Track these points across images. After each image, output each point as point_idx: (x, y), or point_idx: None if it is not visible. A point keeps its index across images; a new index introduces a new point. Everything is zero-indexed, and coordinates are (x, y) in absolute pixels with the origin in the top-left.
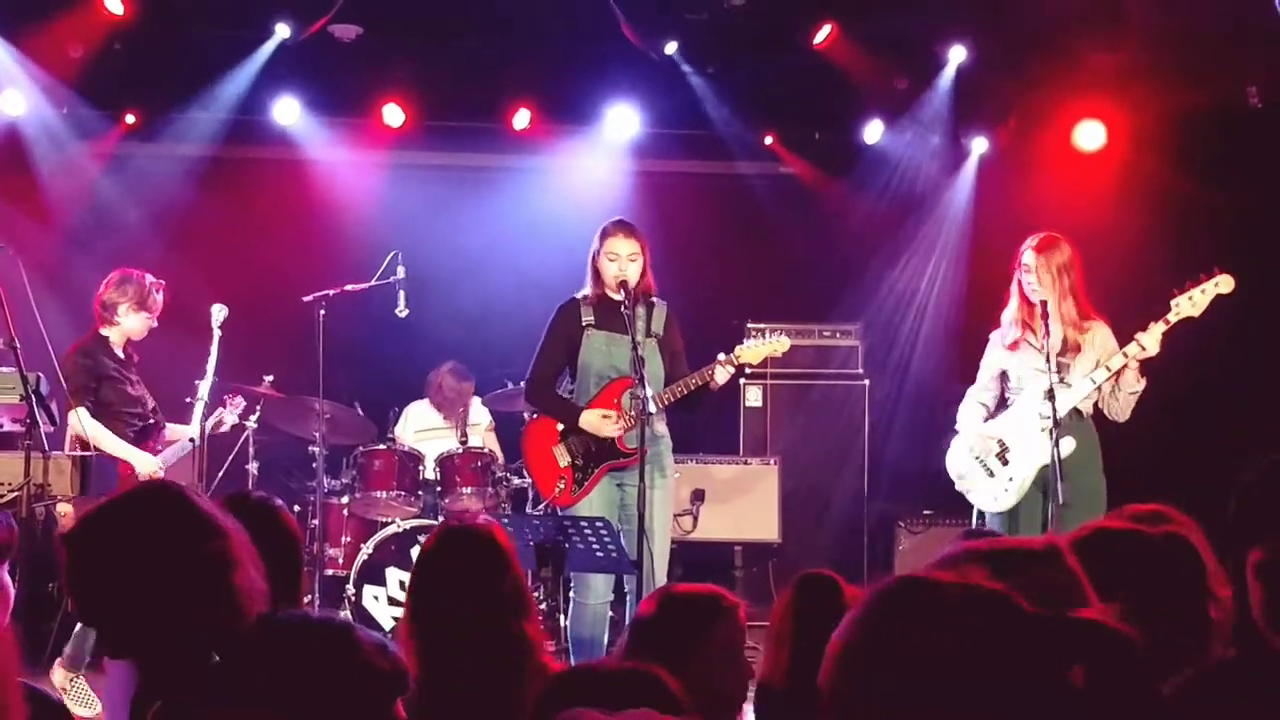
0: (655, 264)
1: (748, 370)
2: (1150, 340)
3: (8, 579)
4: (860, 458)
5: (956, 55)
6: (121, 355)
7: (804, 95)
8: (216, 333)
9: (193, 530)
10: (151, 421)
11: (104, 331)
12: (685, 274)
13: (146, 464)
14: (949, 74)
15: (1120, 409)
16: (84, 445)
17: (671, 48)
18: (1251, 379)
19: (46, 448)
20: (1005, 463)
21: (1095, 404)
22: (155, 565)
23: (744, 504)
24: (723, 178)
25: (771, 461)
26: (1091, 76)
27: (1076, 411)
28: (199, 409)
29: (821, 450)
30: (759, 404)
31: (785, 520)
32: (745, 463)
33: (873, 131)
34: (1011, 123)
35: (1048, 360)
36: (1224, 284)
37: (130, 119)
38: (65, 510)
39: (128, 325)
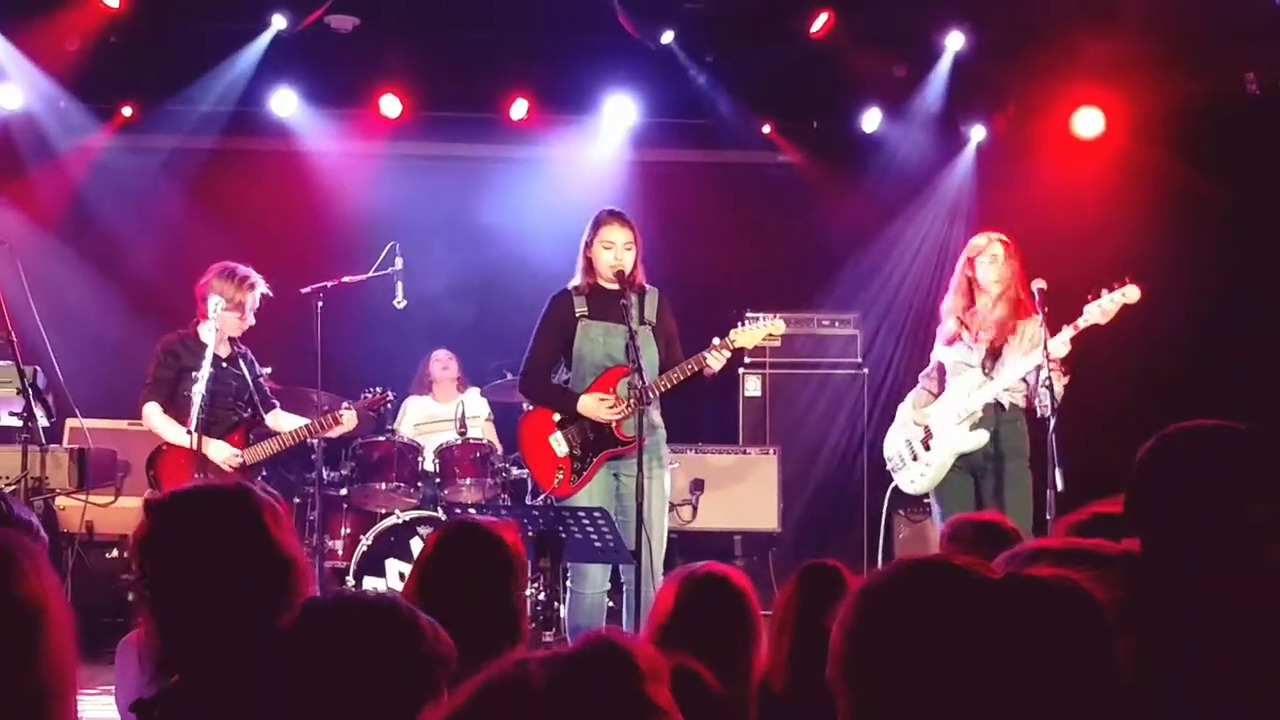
0: (654, 253)
1: (746, 359)
2: (1057, 345)
3: None
4: (859, 446)
5: (954, 43)
6: (220, 351)
7: (802, 84)
8: (214, 325)
9: (267, 534)
10: (236, 419)
11: (201, 326)
12: (683, 263)
13: (217, 452)
14: (947, 62)
15: (1044, 405)
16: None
17: (668, 37)
18: (1246, 365)
19: (44, 441)
20: (927, 449)
21: (1025, 396)
22: (229, 561)
23: (743, 493)
24: (721, 167)
25: (771, 451)
26: (1090, 64)
27: (999, 405)
28: (196, 400)
29: (820, 439)
30: (758, 393)
31: (785, 509)
32: (744, 452)
33: (871, 120)
34: (1010, 110)
35: (988, 353)
36: (1130, 294)
37: (127, 111)
38: (64, 504)
39: (218, 321)
